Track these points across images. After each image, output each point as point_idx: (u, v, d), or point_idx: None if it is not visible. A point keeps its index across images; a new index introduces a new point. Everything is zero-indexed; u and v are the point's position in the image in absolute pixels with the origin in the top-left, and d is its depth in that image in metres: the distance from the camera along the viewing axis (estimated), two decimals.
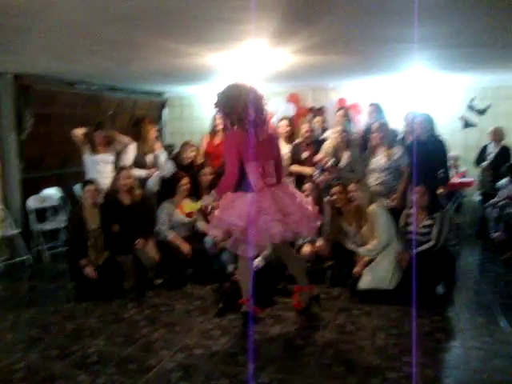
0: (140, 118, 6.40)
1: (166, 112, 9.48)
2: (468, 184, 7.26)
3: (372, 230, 4.67)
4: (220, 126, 5.88)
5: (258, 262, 4.50)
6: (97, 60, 5.40)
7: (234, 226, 3.66)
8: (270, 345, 3.64)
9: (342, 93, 8.28)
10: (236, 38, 4.42)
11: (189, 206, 4.86)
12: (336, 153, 5.42)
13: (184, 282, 5.02)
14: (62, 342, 3.76)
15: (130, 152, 5.66)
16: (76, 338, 3.83)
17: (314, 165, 5.44)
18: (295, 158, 5.65)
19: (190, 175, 5.30)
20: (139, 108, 8.46)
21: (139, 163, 5.58)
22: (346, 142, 5.37)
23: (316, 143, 5.71)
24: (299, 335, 3.81)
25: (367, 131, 5.64)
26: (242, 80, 3.88)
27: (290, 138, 5.81)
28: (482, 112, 7.22)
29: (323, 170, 5.31)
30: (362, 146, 5.58)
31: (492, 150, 6.90)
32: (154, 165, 5.64)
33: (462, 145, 7.73)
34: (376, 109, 5.93)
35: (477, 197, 7.21)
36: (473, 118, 7.56)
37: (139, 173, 5.50)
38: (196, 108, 9.43)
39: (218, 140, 5.87)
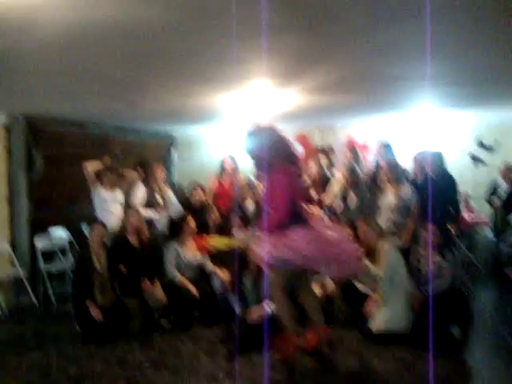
0: (145, 159, 6.42)
1: (174, 152, 9.55)
2: (480, 222, 7.16)
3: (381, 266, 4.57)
4: (229, 169, 5.92)
5: (270, 307, 4.38)
6: (105, 101, 5.48)
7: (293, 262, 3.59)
8: None
9: (350, 132, 8.31)
10: (244, 77, 4.47)
11: (220, 241, 4.74)
12: (344, 194, 5.39)
13: (191, 324, 4.90)
14: None
15: (139, 190, 5.66)
16: (78, 382, 3.71)
17: (321, 206, 5.40)
18: None
19: (198, 216, 5.27)
20: (147, 148, 8.53)
21: (149, 203, 5.59)
22: (353, 183, 5.33)
23: (323, 184, 5.67)
24: (308, 379, 3.67)
25: (376, 170, 5.61)
26: (260, 122, 3.90)
27: None
28: (490, 149, 7.18)
29: (331, 213, 5.27)
30: (370, 184, 5.54)
31: (502, 187, 6.82)
32: (163, 205, 5.64)
33: (471, 182, 7.65)
34: (385, 148, 5.92)
35: (489, 234, 7.09)
36: (481, 154, 7.52)
37: (148, 213, 5.48)
38: (204, 148, 9.48)
39: (226, 182, 5.89)
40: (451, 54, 3.87)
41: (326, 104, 5.97)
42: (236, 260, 4.81)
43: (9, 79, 4.32)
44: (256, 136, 3.79)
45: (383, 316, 4.41)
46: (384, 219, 5.05)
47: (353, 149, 5.91)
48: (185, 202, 5.64)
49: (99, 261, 4.88)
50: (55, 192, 6.74)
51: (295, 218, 3.67)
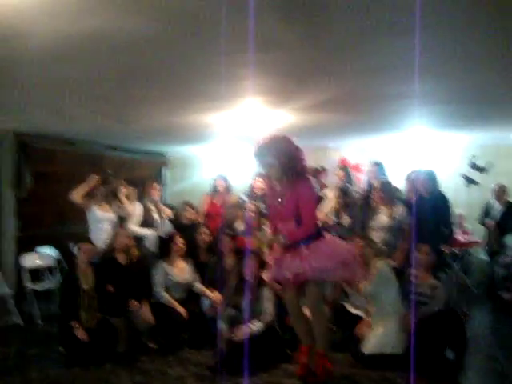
0: (140, 177, 6.41)
1: (166, 172, 9.50)
2: (473, 243, 7.12)
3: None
4: (221, 189, 5.87)
5: (257, 326, 4.28)
6: (95, 118, 5.45)
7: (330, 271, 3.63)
8: None
9: (343, 152, 8.30)
10: (235, 95, 4.45)
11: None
12: (336, 214, 5.33)
13: (180, 347, 4.77)
14: None
15: (136, 208, 5.69)
16: None
17: None
18: None
19: (187, 235, 5.18)
20: (139, 168, 8.48)
21: (147, 222, 5.62)
22: (345, 203, 5.28)
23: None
24: None
25: (369, 190, 5.56)
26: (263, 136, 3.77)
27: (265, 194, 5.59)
28: (483, 170, 7.17)
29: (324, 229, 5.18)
30: (363, 204, 5.48)
31: (496, 207, 6.80)
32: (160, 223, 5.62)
33: (465, 203, 7.62)
34: (378, 167, 5.89)
35: (483, 255, 7.03)
36: (474, 176, 7.50)
37: (143, 231, 5.44)
38: (197, 168, 9.44)
39: (218, 202, 5.84)
40: (442, 73, 3.87)
41: (318, 123, 5.96)
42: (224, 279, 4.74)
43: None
44: (279, 143, 3.63)
45: (375, 338, 4.32)
46: (376, 239, 4.98)
47: (345, 168, 5.88)
48: (174, 220, 5.56)
49: (86, 280, 4.77)
50: (44, 210, 6.65)
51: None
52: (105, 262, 4.96)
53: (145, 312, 4.80)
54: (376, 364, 4.19)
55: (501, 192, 6.78)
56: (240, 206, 5.50)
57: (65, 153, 6.84)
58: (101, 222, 5.45)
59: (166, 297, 4.93)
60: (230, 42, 2.90)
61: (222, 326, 4.43)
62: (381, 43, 3.11)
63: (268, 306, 4.42)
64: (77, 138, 6.88)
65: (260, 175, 5.75)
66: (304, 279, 3.64)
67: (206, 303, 4.96)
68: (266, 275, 3.95)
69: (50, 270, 6.39)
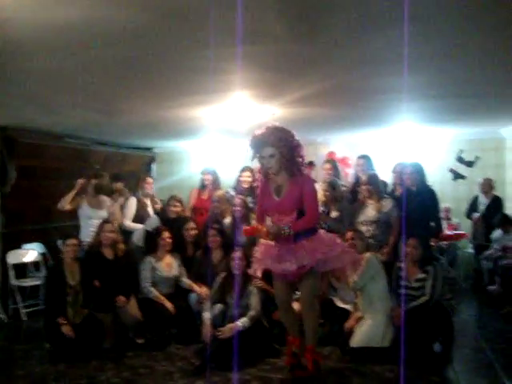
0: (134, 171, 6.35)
1: (154, 167, 9.43)
2: (461, 236, 7.15)
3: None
4: (208, 182, 5.83)
5: (243, 322, 4.26)
6: (82, 112, 5.37)
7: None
8: None
9: (331, 147, 8.30)
10: (223, 89, 4.41)
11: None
12: (324, 207, 5.31)
13: (167, 342, 4.73)
14: None
15: (131, 206, 5.73)
16: None
17: None
18: None
19: (175, 229, 5.13)
20: (127, 163, 8.42)
21: (142, 216, 5.68)
22: (333, 197, 5.26)
23: None
24: None
25: (356, 183, 5.55)
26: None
27: (253, 189, 5.52)
28: (470, 164, 7.20)
29: None
30: (351, 198, 5.48)
31: (483, 201, 6.84)
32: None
33: (452, 197, 7.68)
34: (365, 161, 5.87)
35: (470, 249, 7.08)
36: (462, 170, 7.54)
37: (137, 226, 5.57)
38: (185, 163, 9.39)
39: (205, 195, 5.81)
40: (431, 67, 3.86)
41: (307, 118, 5.94)
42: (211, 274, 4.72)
43: None
44: (281, 133, 3.58)
45: (363, 332, 4.32)
46: (364, 233, 4.97)
47: (332, 162, 5.86)
48: (161, 213, 5.51)
49: (72, 275, 4.72)
50: (30, 205, 6.56)
51: None
52: (91, 256, 4.91)
53: (132, 307, 4.76)
54: (364, 357, 4.19)
55: (487, 186, 6.82)
56: (227, 200, 5.45)
57: (51, 147, 6.75)
58: (91, 218, 5.42)
59: (153, 292, 4.89)
60: (217, 35, 2.86)
61: (206, 319, 4.40)
62: (369, 37, 3.09)
63: (254, 301, 4.39)
64: (64, 133, 6.78)
65: (248, 169, 5.72)
66: (306, 271, 3.63)
67: (193, 298, 4.92)
68: (252, 269, 3.90)
69: (36, 265, 6.33)
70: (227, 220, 5.34)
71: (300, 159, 3.66)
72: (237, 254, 4.49)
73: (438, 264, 4.78)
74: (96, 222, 5.27)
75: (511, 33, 3.06)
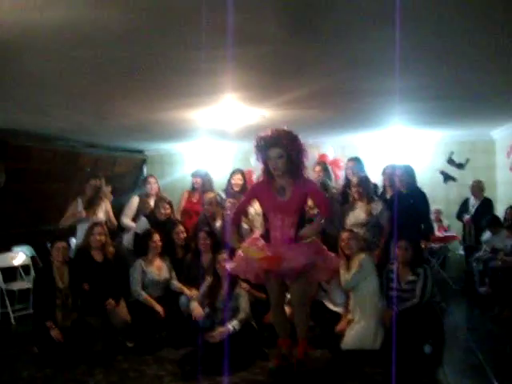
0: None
1: (146, 170, 9.40)
2: (451, 238, 7.18)
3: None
4: (197, 184, 5.82)
5: (234, 325, 4.24)
6: (71, 114, 5.35)
7: None
8: None
9: (322, 149, 8.29)
10: (213, 91, 4.41)
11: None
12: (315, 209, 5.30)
13: (157, 346, 4.69)
14: None
15: (132, 205, 5.73)
16: None
17: None
18: None
19: (164, 232, 5.11)
20: (118, 165, 8.38)
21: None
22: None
23: None
24: None
25: (347, 185, 5.55)
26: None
27: (244, 192, 5.50)
28: (460, 166, 7.25)
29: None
30: (341, 200, 5.47)
31: (473, 203, 6.87)
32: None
33: (443, 199, 7.71)
34: (356, 163, 5.87)
35: (461, 251, 7.11)
36: (452, 172, 7.59)
37: (134, 226, 5.55)
38: (177, 166, 9.36)
39: (195, 198, 5.80)
40: (422, 69, 3.88)
41: (298, 120, 5.94)
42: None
43: None
44: (291, 136, 3.72)
45: (353, 334, 4.32)
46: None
47: (322, 164, 5.85)
48: (150, 216, 5.48)
49: (61, 278, 4.68)
50: (20, 208, 6.51)
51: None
52: (80, 259, 4.87)
53: (121, 310, 4.73)
54: (354, 359, 4.19)
55: (477, 188, 6.85)
56: (218, 203, 5.44)
57: (41, 150, 6.70)
58: (86, 222, 5.35)
59: (143, 295, 4.86)
60: (208, 36, 2.86)
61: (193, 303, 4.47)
62: (360, 39, 3.10)
63: (243, 303, 4.38)
64: (54, 135, 6.74)
65: (239, 172, 5.72)
66: (302, 271, 3.74)
67: (183, 301, 4.89)
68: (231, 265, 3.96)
69: (25, 268, 6.28)
70: (218, 223, 5.32)
71: (304, 161, 3.78)
72: (222, 256, 4.49)
73: (428, 266, 4.79)
74: None
75: (504, 35, 3.08)
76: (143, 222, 5.39)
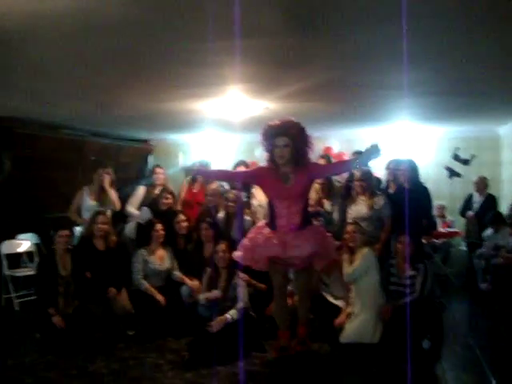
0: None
1: (151, 159, 9.40)
2: (454, 234, 7.17)
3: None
4: (200, 177, 5.80)
5: (232, 314, 4.27)
6: (77, 104, 5.36)
7: None
8: None
9: (328, 142, 8.29)
10: (217, 83, 4.41)
11: None
12: (319, 201, 5.31)
13: (157, 334, 4.73)
14: None
15: (138, 194, 5.72)
16: None
17: None
18: None
19: (166, 222, 5.13)
20: (124, 155, 8.38)
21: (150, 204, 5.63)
22: (327, 191, 5.26)
23: None
24: None
25: (350, 179, 5.54)
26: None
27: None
28: (466, 162, 7.21)
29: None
30: (344, 194, 5.46)
31: (477, 200, 6.84)
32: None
33: (447, 194, 7.68)
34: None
35: (464, 247, 7.09)
36: (457, 168, 7.55)
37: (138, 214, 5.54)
38: (181, 155, 9.34)
39: (196, 188, 5.81)
40: (428, 64, 3.86)
41: (303, 112, 5.92)
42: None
43: None
44: (298, 126, 3.81)
45: (353, 327, 4.34)
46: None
47: (326, 157, 5.84)
48: (152, 205, 5.49)
49: (64, 266, 4.74)
50: (25, 196, 6.55)
51: None
52: (82, 247, 4.92)
53: (123, 299, 4.78)
54: (353, 353, 4.21)
55: (481, 184, 6.82)
56: (221, 194, 5.45)
57: (47, 138, 6.72)
58: (91, 210, 5.35)
59: (144, 284, 4.89)
60: (214, 28, 2.86)
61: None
62: (367, 31, 3.08)
63: (241, 293, 4.41)
64: (59, 124, 6.77)
65: (242, 163, 5.72)
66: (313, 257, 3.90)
67: (185, 291, 4.93)
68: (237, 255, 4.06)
69: (30, 255, 6.34)
70: (220, 214, 5.34)
71: (309, 152, 3.88)
72: (221, 247, 4.52)
73: (429, 262, 4.79)
74: None
75: (510, 30, 3.05)
76: (145, 212, 5.41)
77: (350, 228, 4.66)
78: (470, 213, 6.78)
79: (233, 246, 4.54)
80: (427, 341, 4.47)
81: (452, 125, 7.27)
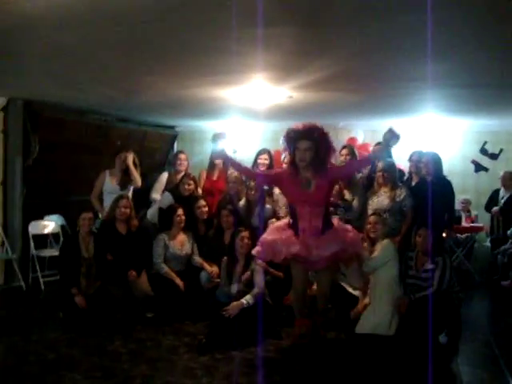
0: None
1: (176, 145, 9.49)
2: (478, 229, 7.05)
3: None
4: (219, 164, 5.84)
5: (248, 299, 4.32)
6: (102, 89, 5.43)
7: None
8: None
9: (352, 133, 8.22)
10: (241, 71, 4.41)
11: None
12: (339, 191, 5.28)
13: (175, 318, 4.82)
14: (37, 372, 3.60)
15: (161, 180, 5.81)
16: (53, 369, 3.66)
17: None
18: None
19: (187, 208, 5.19)
20: (149, 140, 8.47)
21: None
22: (347, 181, 5.23)
23: None
24: (286, 381, 3.59)
25: (372, 170, 5.50)
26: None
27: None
28: (494, 156, 7.06)
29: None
30: (367, 185, 5.43)
31: (502, 195, 6.70)
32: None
33: (473, 189, 7.56)
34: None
35: (488, 243, 6.97)
36: (485, 162, 7.40)
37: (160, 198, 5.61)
38: (206, 144, 9.40)
39: (215, 176, 5.85)
40: (454, 55, 3.77)
41: (327, 101, 5.89)
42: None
43: (7, 61, 4.27)
44: (321, 131, 3.87)
45: (369, 318, 4.34)
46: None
47: (349, 147, 5.80)
48: (174, 190, 5.55)
49: (86, 248, 4.86)
50: (52, 179, 6.70)
51: None
52: (104, 230, 5.03)
53: (143, 282, 4.88)
54: (368, 344, 4.21)
55: (508, 179, 6.67)
56: (242, 181, 5.48)
57: (74, 122, 6.85)
58: (113, 192, 5.44)
59: (164, 268, 4.98)
60: (237, 16, 2.86)
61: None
62: (391, 21, 3.02)
63: (258, 279, 4.45)
64: (85, 108, 6.88)
65: (265, 151, 5.73)
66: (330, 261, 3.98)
67: (204, 276, 5.00)
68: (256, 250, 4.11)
69: (56, 236, 6.51)
70: (241, 202, 5.37)
71: (330, 157, 3.97)
72: (245, 233, 4.59)
73: (448, 256, 4.73)
74: None
75: None
76: (167, 197, 5.47)
77: (372, 219, 4.65)
78: (496, 208, 6.65)
79: (253, 233, 4.59)
80: (444, 335, 4.46)
81: (479, 118, 7.11)
